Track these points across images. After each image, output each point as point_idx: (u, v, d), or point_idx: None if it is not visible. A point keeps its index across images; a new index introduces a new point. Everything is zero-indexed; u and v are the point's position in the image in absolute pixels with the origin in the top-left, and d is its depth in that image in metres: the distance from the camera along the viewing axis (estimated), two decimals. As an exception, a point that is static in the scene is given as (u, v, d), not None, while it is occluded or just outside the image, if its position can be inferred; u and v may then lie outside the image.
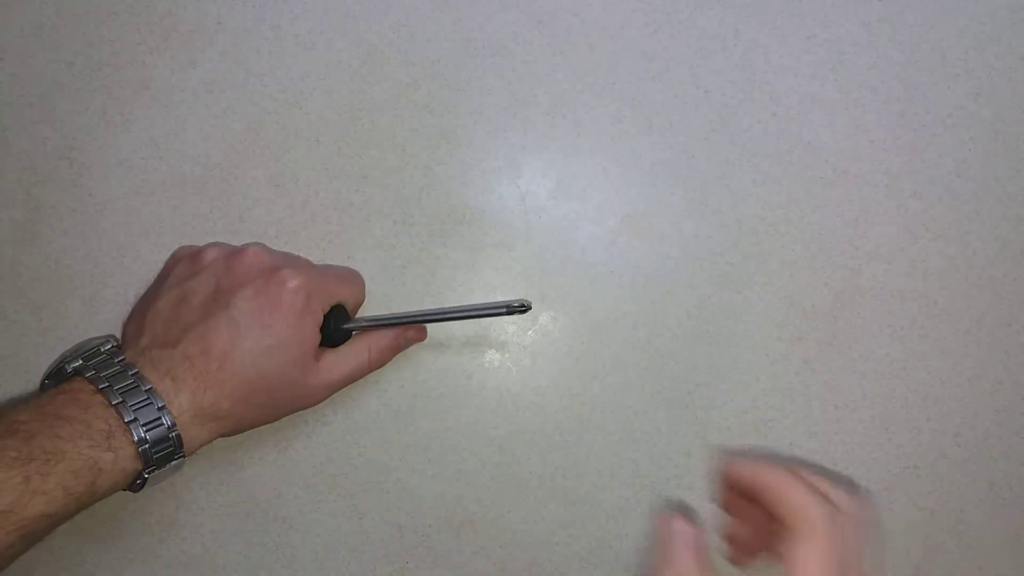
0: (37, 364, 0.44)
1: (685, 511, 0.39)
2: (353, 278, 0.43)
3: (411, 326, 0.43)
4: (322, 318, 0.40)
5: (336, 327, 0.41)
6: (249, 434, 0.40)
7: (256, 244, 0.41)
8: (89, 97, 0.46)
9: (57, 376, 0.38)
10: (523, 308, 0.38)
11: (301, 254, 0.44)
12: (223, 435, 0.38)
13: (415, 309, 0.44)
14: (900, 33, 0.47)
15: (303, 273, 0.39)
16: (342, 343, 0.41)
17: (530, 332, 0.45)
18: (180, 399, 0.35)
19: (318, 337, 0.39)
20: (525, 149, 0.46)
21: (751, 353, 0.45)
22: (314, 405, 0.41)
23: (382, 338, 0.42)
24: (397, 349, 0.43)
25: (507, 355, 0.45)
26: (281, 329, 0.37)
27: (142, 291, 0.44)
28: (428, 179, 0.46)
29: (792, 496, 0.29)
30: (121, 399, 0.34)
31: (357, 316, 0.43)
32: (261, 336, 0.37)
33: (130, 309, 0.44)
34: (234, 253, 0.40)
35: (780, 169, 0.46)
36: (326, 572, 0.43)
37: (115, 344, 0.39)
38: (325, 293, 0.40)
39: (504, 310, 0.39)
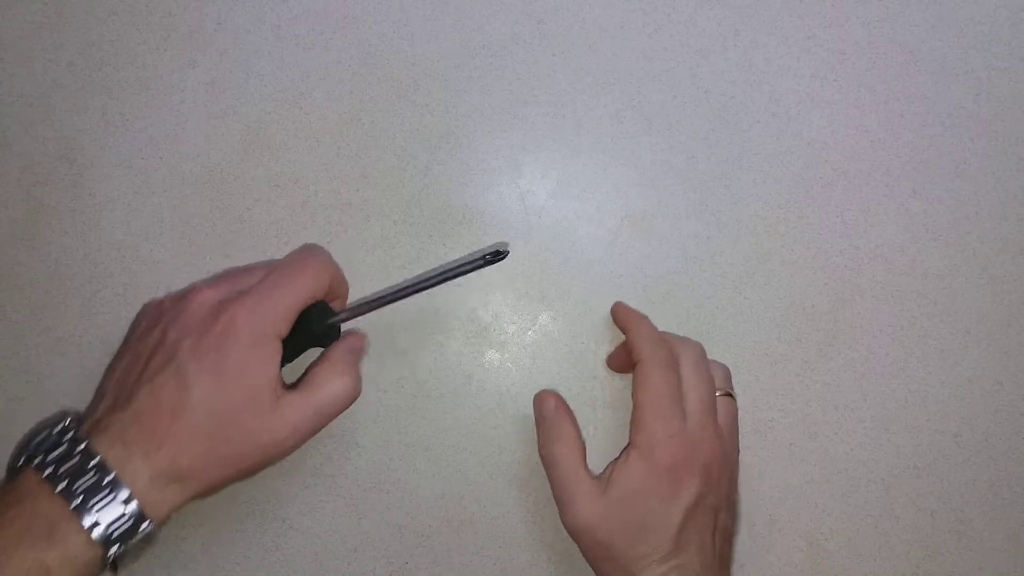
0: (37, 364, 0.44)
1: (553, 391, 0.43)
2: (305, 266, 0.40)
3: (350, 335, 0.41)
4: (279, 345, 0.37)
5: (320, 325, 0.40)
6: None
7: (200, 283, 0.40)
8: (89, 97, 0.46)
9: (15, 465, 0.35)
10: (500, 254, 0.37)
11: (301, 254, 0.44)
12: (195, 497, 0.35)
13: (394, 285, 0.44)
14: (900, 33, 0.47)
15: (245, 303, 0.37)
16: (335, 339, 0.41)
17: (530, 332, 0.45)
18: (134, 464, 0.33)
19: (274, 370, 0.37)
20: (525, 149, 0.46)
21: (751, 353, 0.45)
22: (286, 454, 0.37)
23: (343, 373, 0.39)
24: (355, 363, 0.40)
25: (507, 355, 0.45)
26: (228, 369, 0.35)
27: (142, 291, 0.44)
28: (428, 179, 0.46)
29: (634, 336, 0.41)
30: (67, 483, 0.32)
31: (344, 307, 0.42)
32: (210, 381, 0.35)
33: (130, 309, 0.44)
34: (178, 300, 0.38)
35: (780, 169, 0.46)
36: (326, 572, 0.43)
37: (68, 420, 0.36)
38: (274, 315, 0.37)
39: (481, 261, 0.37)
